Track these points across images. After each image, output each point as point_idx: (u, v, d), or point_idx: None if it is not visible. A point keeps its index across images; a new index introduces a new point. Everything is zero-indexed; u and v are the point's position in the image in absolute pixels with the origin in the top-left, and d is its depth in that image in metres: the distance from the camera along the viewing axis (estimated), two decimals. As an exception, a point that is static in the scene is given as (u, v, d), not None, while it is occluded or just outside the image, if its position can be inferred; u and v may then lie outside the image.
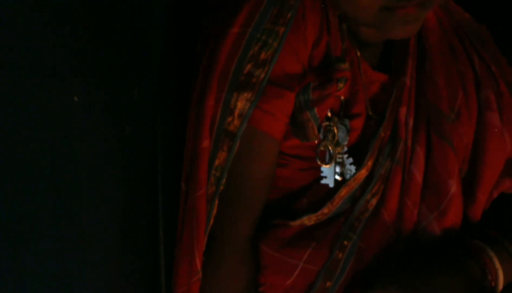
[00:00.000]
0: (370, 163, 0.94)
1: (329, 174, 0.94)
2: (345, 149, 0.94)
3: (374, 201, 0.94)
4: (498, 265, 0.93)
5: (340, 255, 0.94)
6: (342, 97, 0.93)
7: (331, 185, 0.94)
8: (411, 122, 0.96)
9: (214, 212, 0.90)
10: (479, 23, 1.06)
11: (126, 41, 0.82)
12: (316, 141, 0.92)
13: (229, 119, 0.88)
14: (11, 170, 0.60)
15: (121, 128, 0.82)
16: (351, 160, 0.94)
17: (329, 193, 0.94)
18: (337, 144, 0.93)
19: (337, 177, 0.94)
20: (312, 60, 0.90)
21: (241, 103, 0.87)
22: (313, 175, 0.95)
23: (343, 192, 0.93)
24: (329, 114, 0.92)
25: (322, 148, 0.93)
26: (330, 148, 0.92)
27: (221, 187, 0.90)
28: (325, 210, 0.94)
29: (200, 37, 0.93)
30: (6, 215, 0.58)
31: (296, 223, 0.95)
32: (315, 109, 0.89)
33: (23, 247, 0.61)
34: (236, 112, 0.88)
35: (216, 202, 0.90)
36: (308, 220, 0.94)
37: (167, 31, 0.90)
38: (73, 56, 0.71)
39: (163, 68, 0.89)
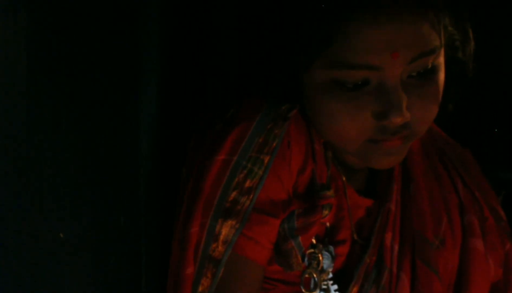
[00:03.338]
0: (355, 290, 0.93)
1: (314, 300, 0.93)
2: (330, 275, 0.93)
3: (359, 329, 0.93)
4: None
5: None
6: (327, 224, 0.94)
7: (316, 311, 0.93)
8: (396, 248, 0.95)
9: (198, 338, 0.89)
10: (462, 147, 1.07)
11: (111, 169, 0.83)
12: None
13: (214, 245, 0.87)
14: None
15: (105, 259, 0.81)
16: (336, 286, 0.93)
17: (314, 320, 0.93)
18: (322, 271, 0.92)
19: (322, 304, 0.93)
20: (297, 188, 0.91)
21: (226, 230, 0.87)
22: (298, 299, 0.95)
23: (328, 319, 0.93)
24: (313, 241, 0.92)
25: (306, 275, 0.92)
26: (315, 275, 0.92)
27: (205, 313, 0.89)
28: (309, 337, 0.93)
29: (187, 163, 0.93)
30: None
31: None
32: (300, 238, 0.89)
33: None
34: (221, 238, 0.87)
35: (200, 328, 0.89)
36: None
37: (148, 151, 0.90)
38: (57, 192, 0.72)
39: (148, 196, 0.89)
